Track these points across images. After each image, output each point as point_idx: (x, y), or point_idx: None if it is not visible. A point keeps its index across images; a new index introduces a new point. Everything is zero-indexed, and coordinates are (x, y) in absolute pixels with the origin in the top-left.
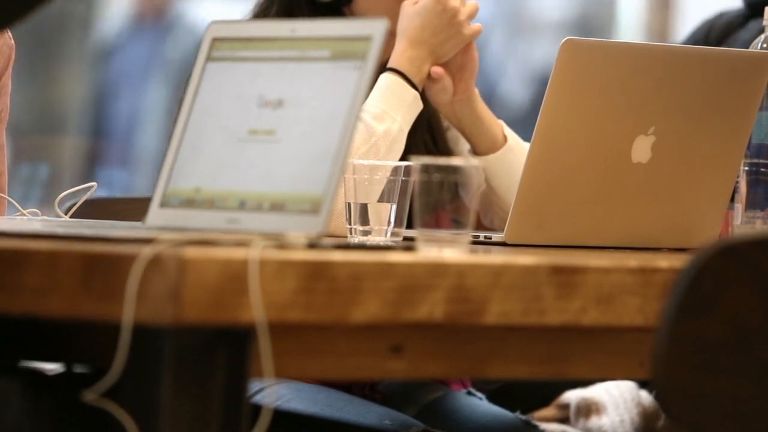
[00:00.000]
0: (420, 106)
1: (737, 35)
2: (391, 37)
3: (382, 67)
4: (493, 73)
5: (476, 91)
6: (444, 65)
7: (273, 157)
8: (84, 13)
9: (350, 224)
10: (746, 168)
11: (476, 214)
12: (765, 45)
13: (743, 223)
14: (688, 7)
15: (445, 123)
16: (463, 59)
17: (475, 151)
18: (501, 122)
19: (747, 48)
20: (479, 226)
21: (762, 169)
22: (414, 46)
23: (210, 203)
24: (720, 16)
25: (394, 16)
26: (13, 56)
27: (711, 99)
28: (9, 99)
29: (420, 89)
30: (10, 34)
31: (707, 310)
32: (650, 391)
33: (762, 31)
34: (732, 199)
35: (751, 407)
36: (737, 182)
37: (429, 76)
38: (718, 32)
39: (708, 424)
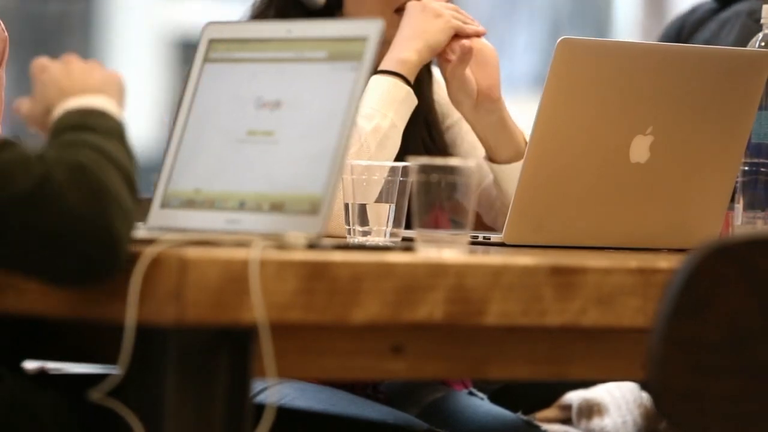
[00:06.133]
0: (414, 101)
1: (705, 27)
2: (383, 45)
3: (375, 72)
4: None
5: (503, 99)
6: (462, 64)
7: (272, 158)
8: (84, 13)
9: (349, 225)
10: (746, 167)
11: (475, 214)
12: (763, 43)
13: (743, 224)
14: (683, 7)
15: (446, 123)
16: (479, 57)
17: (494, 159)
18: (522, 129)
19: (712, 41)
20: (480, 224)
21: (762, 169)
22: (401, 44)
23: (210, 204)
24: (692, 12)
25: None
26: (7, 49)
27: (709, 98)
28: (4, 92)
29: (412, 83)
30: (3, 26)
31: (702, 310)
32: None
33: (725, 24)
34: (732, 199)
35: (746, 408)
36: (737, 182)
37: (458, 70)
38: (690, 28)
39: (703, 424)
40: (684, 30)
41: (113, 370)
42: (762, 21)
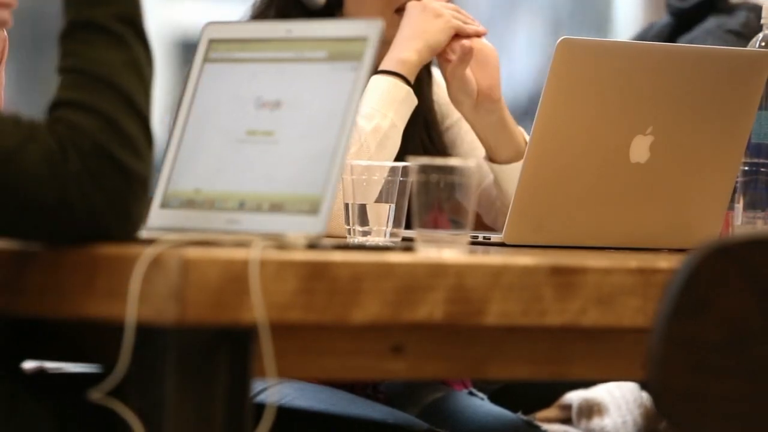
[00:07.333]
0: (414, 101)
1: None
2: (383, 45)
3: (375, 72)
4: None
5: (503, 99)
6: (463, 64)
7: (272, 158)
8: None
9: (349, 225)
10: (746, 167)
11: (474, 214)
12: (764, 43)
13: (743, 224)
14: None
15: (445, 124)
16: (479, 57)
17: (494, 159)
18: (521, 129)
19: None
20: (481, 224)
21: (762, 169)
22: (401, 44)
23: (210, 204)
24: (649, 28)
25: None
26: (7, 50)
27: (709, 98)
28: (4, 92)
29: (412, 83)
30: None
31: (702, 310)
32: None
33: (693, 42)
34: (732, 199)
35: (746, 408)
36: (737, 182)
37: (458, 70)
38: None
39: (703, 424)
40: None
41: (113, 370)
42: (762, 21)
